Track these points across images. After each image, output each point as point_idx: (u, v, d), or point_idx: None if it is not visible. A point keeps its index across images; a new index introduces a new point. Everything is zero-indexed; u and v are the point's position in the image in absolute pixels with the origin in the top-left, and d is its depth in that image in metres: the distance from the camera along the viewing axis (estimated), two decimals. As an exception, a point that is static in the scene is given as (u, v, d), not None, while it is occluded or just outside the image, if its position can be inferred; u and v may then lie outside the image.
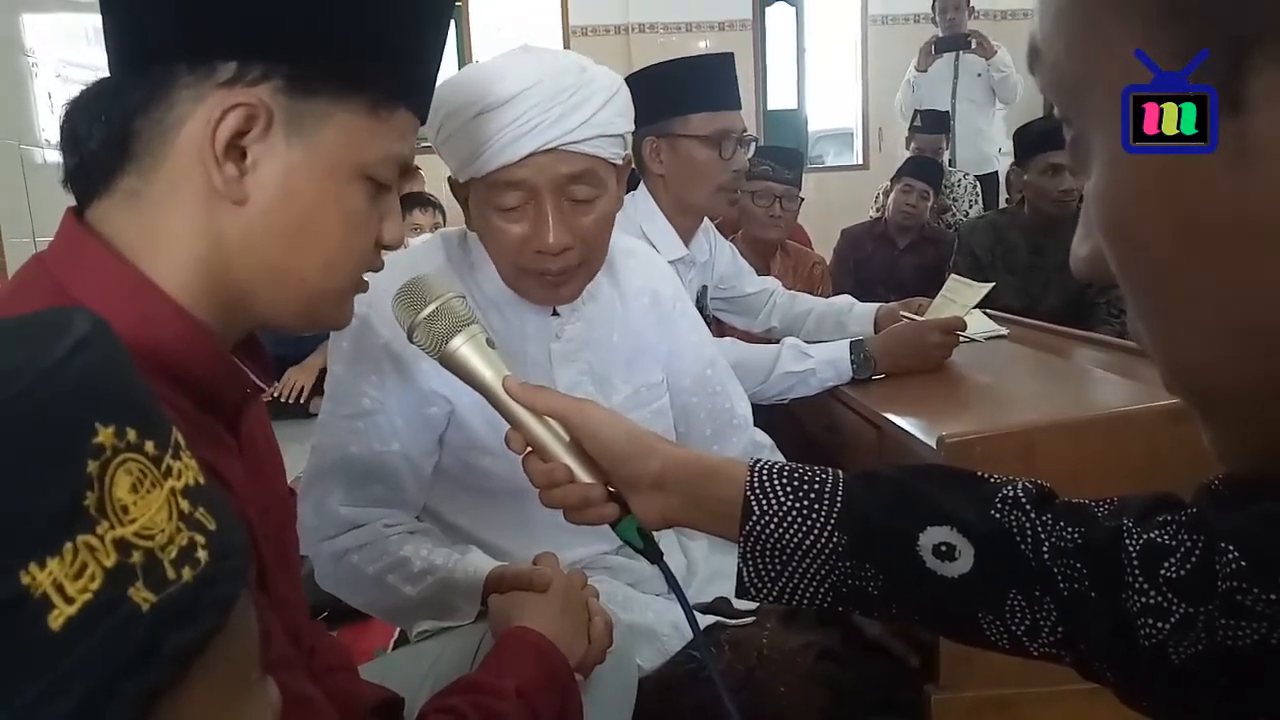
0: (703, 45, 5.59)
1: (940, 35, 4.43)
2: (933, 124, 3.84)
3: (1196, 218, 0.30)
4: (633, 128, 1.07)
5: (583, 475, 0.71)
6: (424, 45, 0.66)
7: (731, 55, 1.74)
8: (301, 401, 3.13)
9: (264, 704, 0.35)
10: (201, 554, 0.31)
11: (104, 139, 0.58)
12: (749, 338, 1.87)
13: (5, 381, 0.26)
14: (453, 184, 1.07)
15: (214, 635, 0.31)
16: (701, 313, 1.78)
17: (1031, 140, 2.65)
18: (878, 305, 1.88)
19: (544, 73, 0.97)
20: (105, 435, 0.28)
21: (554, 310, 1.12)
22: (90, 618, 0.26)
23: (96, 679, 0.26)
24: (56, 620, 0.26)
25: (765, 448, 1.36)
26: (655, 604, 1.15)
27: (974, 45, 4.33)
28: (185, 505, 0.31)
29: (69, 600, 0.26)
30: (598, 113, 0.99)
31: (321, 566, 1.06)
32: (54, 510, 0.27)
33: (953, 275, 1.98)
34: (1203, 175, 0.29)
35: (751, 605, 1.15)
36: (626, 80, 1.07)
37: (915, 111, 3.95)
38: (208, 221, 0.59)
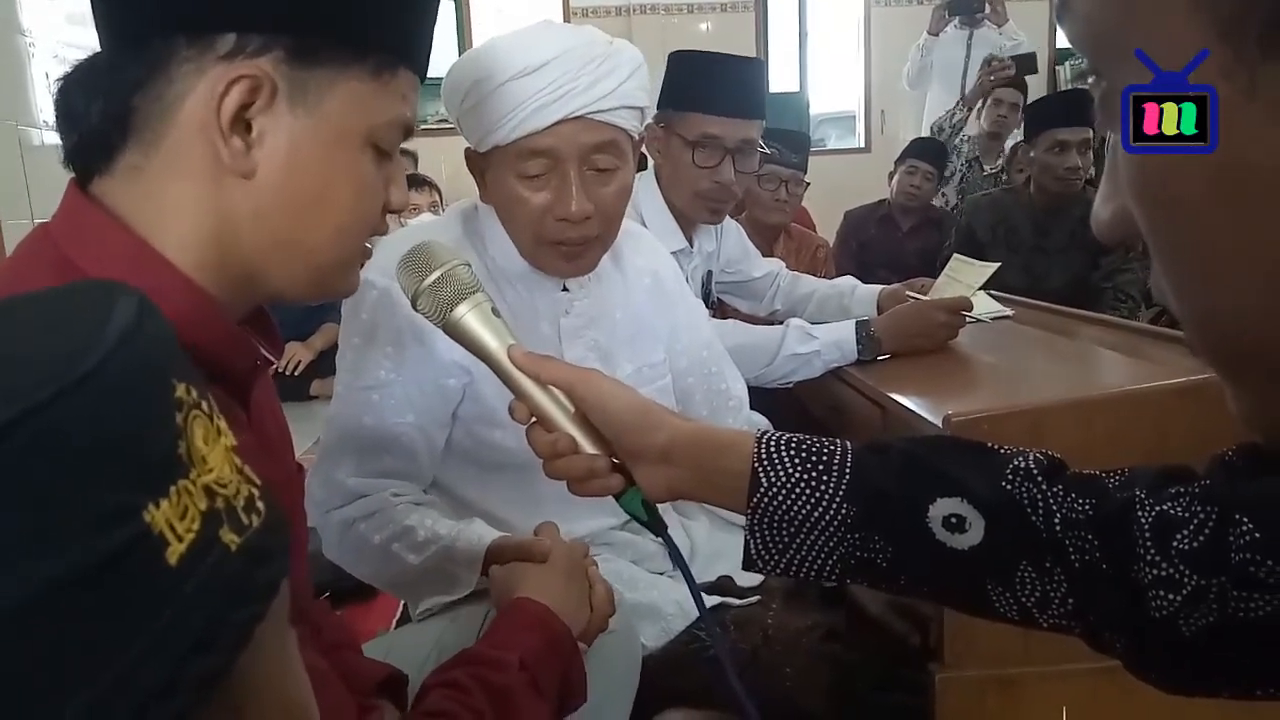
0: (704, 28, 5.55)
1: None
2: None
3: (1237, 167, 0.30)
4: (649, 104, 1.09)
5: (587, 446, 0.71)
6: (423, 6, 0.65)
7: (759, 62, 1.68)
8: (297, 373, 3.16)
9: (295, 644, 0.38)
10: (260, 504, 0.33)
11: (102, 115, 0.57)
12: (752, 320, 1.86)
13: (95, 345, 0.28)
14: (470, 156, 1.07)
15: (284, 574, 0.34)
16: (706, 298, 1.77)
17: (1041, 116, 2.64)
18: (880, 287, 1.87)
19: (574, 42, 1.00)
20: (181, 390, 0.31)
21: (564, 286, 1.13)
22: (197, 555, 0.29)
23: (211, 609, 0.29)
24: (173, 555, 0.28)
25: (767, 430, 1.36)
26: (660, 583, 1.15)
27: (987, 11, 4.30)
28: (238, 460, 0.33)
29: (179, 538, 0.28)
30: (623, 83, 1.01)
31: (329, 536, 1.07)
32: (160, 456, 0.29)
33: (955, 255, 1.96)
34: (1242, 124, 0.29)
35: (755, 582, 1.16)
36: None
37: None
38: (215, 195, 0.58)
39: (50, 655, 0.25)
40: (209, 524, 0.30)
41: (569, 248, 1.05)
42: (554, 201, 1.02)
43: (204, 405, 0.32)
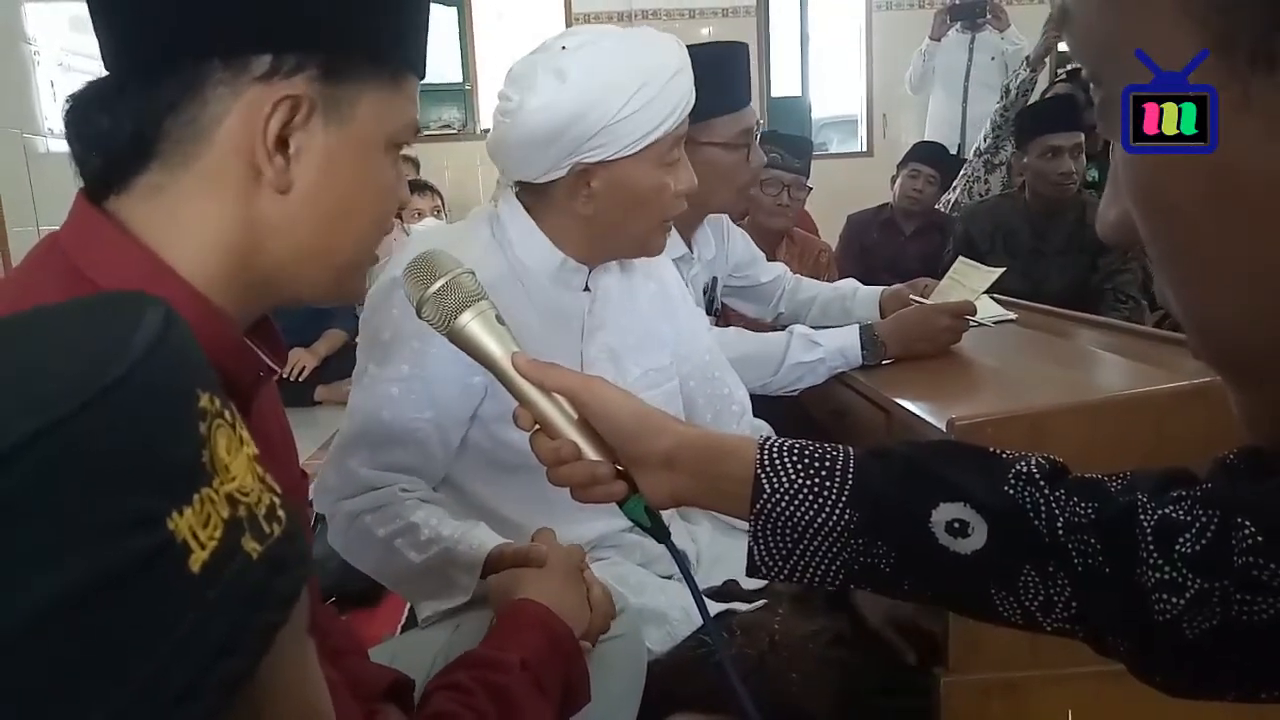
0: (706, 32, 5.56)
1: (955, 2, 4.40)
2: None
3: (1231, 176, 0.30)
4: None
5: (590, 453, 0.71)
6: (426, 10, 0.67)
7: (745, 46, 1.65)
8: (302, 379, 3.18)
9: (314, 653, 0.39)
10: (281, 513, 0.33)
11: (130, 139, 0.57)
12: (755, 326, 1.85)
13: (121, 356, 0.28)
14: (590, 170, 1.07)
15: (304, 583, 0.34)
16: (709, 305, 1.77)
17: (1031, 122, 2.64)
18: (882, 288, 1.87)
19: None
20: (205, 400, 0.31)
21: (586, 286, 1.15)
22: (219, 562, 0.29)
23: (233, 616, 0.29)
24: (195, 563, 0.28)
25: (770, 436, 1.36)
26: (667, 587, 1.15)
27: (989, 16, 4.30)
28: (259, 469, 0.33)
29: (202, 546, 0.28)
30: None
31: (335, 525, 1.08)
32: (184, 464, 0.29)
33: (960, 258, 1.96)
34: (1237, 134, 0.29)
35: (760, 585, 1.16)
36: None
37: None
38: (245, 212, 0.59)
39: (74, 661, 0.25)
40: (231, 532, 0.30)
41: (670, 221, 1.16)
42: (680, 179, 1.12)
43: (227, 414, 0.32)
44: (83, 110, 0.59)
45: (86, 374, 0.27)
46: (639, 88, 1.04)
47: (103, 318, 0.32)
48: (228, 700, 0.29)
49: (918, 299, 1.75)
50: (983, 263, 2.05)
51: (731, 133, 1.57)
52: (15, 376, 0.28)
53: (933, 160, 3.35)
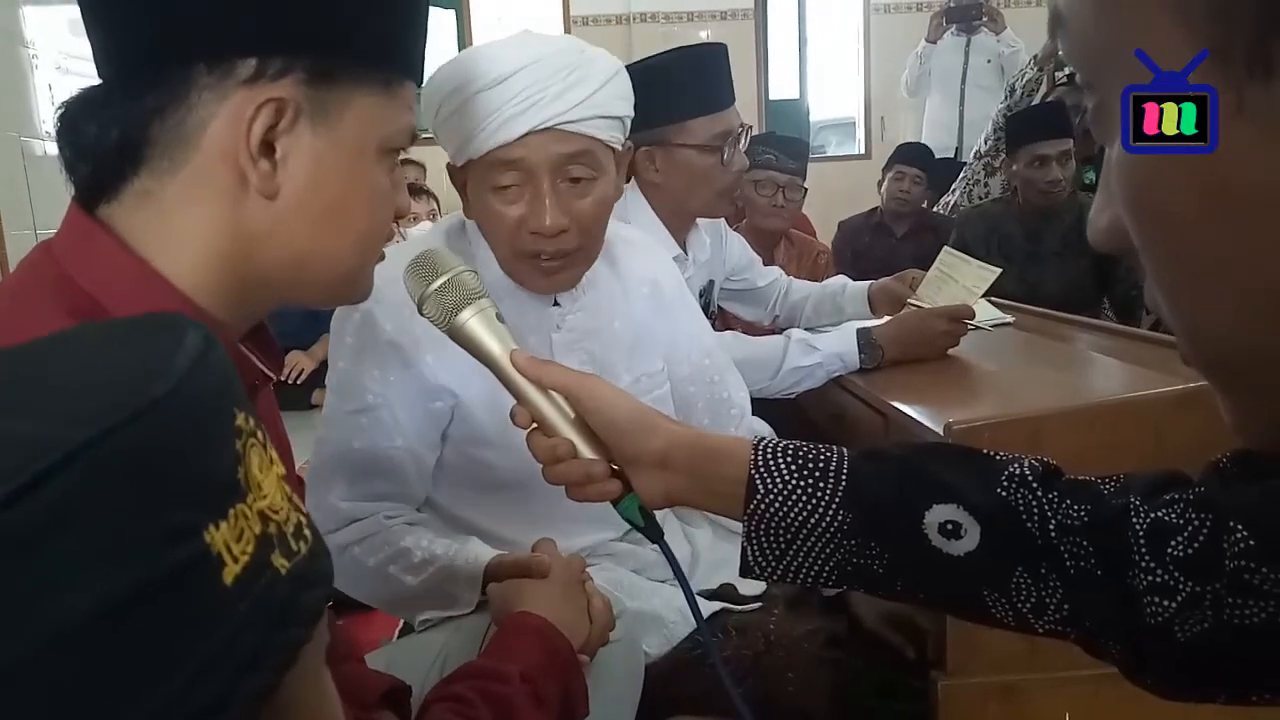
0: (704, 35, 5.57)
1: (951, 5, 4.41)
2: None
3: (1224, 183, 0.30)
4: (633, 113, 1.06)
5: (586, 451, 0.71)
6: (422, 17, 0.67)
7: (724, 47, 1.63)
8: (300, 382, 3.18)
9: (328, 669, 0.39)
10: (307, 532, 0.34)
11: (117, 146, 0.57)
12: (753, 329, 1.85)
13: (166, 372, 0.29)
14: (451, 170, 1.07)
15: (328, 601, 0.34)
16: (706, 308, 1.77)
17: (1018, 131, 2.65)
18: (869, 283, 1.87)
19: (542, 51, 0.97)
20: (240, 419, 0.32)
21: (555, 300, 1.12)
22: (250, 576, 0.30)
23: (261, 630, 0.30)
24: (229, 576, 0.29)
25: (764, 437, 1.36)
26: (662, 591, 1.15)
27: (984, 19, 4.32)
28: (287, 489, 0.34)
29: (235, 560, 0.29)
30: (596, 93, 0.99)
31: None
32: (221, 479, 0.30)
33: (946, 249, 1.91)
34: (1231, 141, 0.29)
35: (758, 589, 1.16)
36: None
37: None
38: (233, 218, 0.59)
39: (111, 669, 0.25)
40: (263, 548, 0.30)
41: (547, 262, 1.03)
42: (528, 214, 1.00)
43: (259, 434, 0.33)
44: (72, 117, 0.59)
45: (134, 388, 0.28)
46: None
47: (146, 336, 0.33)
48: (253, 713, 0.29)
49: (914, 302, 1.75)
50: None
51: (707, 135, 1.54)
52: (65, 388, 0.29)
53: (916, 160, 3.36)
